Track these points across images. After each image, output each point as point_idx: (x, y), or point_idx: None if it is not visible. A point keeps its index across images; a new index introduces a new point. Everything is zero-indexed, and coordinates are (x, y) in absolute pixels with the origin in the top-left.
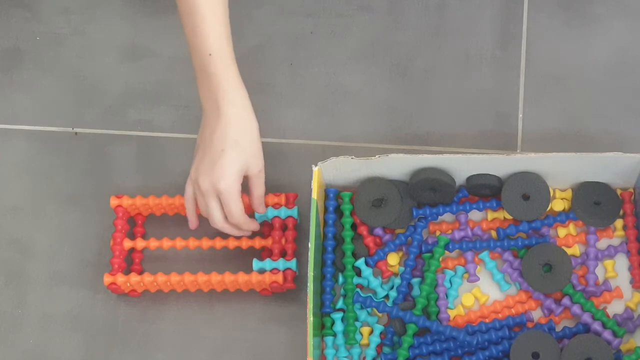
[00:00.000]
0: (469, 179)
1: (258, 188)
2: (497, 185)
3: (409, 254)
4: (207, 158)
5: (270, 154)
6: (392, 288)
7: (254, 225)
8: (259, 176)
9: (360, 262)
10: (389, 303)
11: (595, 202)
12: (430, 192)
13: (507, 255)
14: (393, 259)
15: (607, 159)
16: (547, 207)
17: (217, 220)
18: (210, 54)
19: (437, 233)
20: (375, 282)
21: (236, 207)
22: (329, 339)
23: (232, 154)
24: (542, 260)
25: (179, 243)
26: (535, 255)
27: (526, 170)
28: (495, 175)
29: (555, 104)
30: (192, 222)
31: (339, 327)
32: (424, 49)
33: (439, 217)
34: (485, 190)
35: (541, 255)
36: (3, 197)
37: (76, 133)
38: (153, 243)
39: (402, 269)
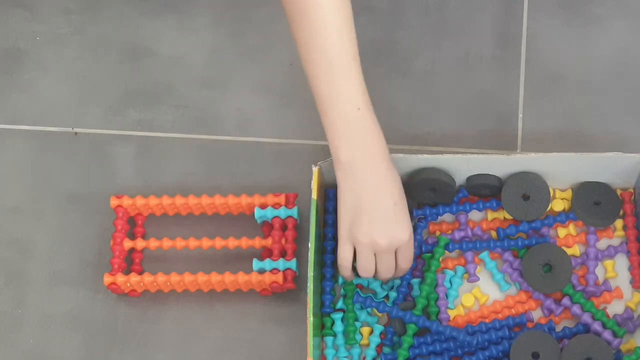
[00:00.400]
0: (469, 179)
1: (406, 259)
2: (497, 185)
3: None
4: (378, 215)
5: (270, 154)
6: (392, 288)
7: None
8: (409, 244)
9: None
10: (389, 303)
11: (595, 202)
12: (430, 192)
13: (507, 255)
14: None
15: (607, 159)
16: (547, 207)
17: (389, 274)
18: (359, 109)
19: (437, 233)
20: (375, 282)
21: (412, 254)
22: (329, 339)
23: (403, 206)
24: (542, 260)
25: (179, 243)
26: (535, 256)
27: (526, 170)
28: (495, 175)
29: (555, 104)
30: (350, 277)
31: (339, 327)
32: (424, 49)
33: (439, 217)
34: (485, 190)
35: (541, 255)
36: (3, 197)
37: (76, 133)
38: (153, 243)
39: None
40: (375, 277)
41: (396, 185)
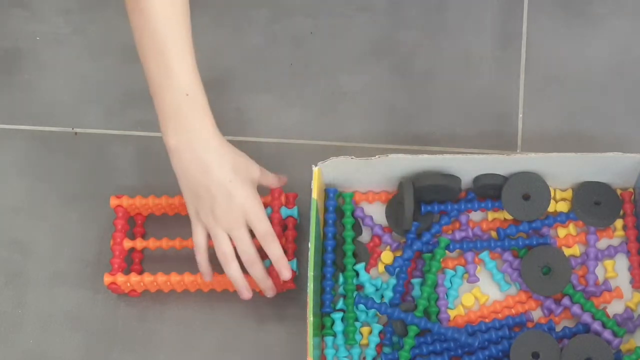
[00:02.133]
0: (476, 178)
1: (259, 228)
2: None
3: (404, 253)
4: (215, 198)
5: (270, 154)
6: (387, 288)
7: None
8: (254, 214)
9: (360, 267)
10: (387, 303)
11: (595, 202)
12: (434, 194)
13: (507, 255)
14: (387, 257)
15: (607, 159)
16: (548, 207)
17: (250, 253)
18: (187, 95)
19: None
20: (370, 285)
21: (263, 221)
22: (329, 339)
23: (239, 180)
24: (541, 262)
25: (179, 243)
26: (534, 258)
27: (526, 170)
28: (502, 175)
29: (555, 104)
30: (208, 274)
31: (339, 327)
32: (424, 49)
33: (441, 218)
34: (491, 190)
35: (540, 257)
36: (3, 197)
37: (76, 133)
38: (153, 243)
39: (391, 267)
40: (248, 269)
41: (226, 162)
